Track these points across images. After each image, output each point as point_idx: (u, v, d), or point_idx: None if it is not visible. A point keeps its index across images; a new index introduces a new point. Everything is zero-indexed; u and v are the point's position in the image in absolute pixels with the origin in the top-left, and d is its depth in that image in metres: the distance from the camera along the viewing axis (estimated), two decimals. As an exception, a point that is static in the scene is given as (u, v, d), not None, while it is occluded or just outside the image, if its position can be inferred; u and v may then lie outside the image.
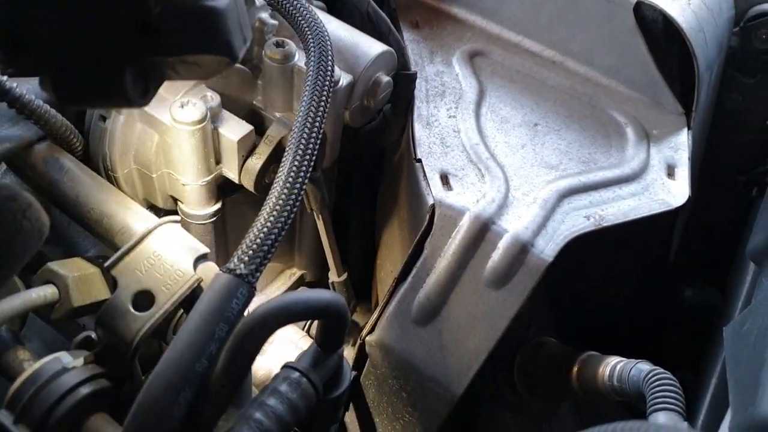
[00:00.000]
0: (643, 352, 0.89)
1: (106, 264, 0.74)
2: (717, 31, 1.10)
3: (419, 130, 0.97)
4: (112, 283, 0.74)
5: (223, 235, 0.99)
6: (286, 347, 1.00)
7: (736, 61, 1.29)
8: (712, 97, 1.20)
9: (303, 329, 1.09)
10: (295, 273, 1.17)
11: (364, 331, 0.93)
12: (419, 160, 0.93)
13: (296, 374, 0.71)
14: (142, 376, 0.75)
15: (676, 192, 0.96)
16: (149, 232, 0.75)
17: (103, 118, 0.87)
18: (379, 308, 0.92)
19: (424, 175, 0.92)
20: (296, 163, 0.75)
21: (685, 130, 1.05)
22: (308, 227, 1.08)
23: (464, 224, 0.87)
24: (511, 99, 1.05)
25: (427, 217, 0.89)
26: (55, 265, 0.75)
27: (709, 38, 1.06)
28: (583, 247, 0.88)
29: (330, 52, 0.82)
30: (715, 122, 1.30)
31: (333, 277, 1.10)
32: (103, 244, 0.84)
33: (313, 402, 0.72)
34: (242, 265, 0.67)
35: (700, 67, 1.02)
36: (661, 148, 1.02)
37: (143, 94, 0.49)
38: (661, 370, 0.80)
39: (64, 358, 0.71)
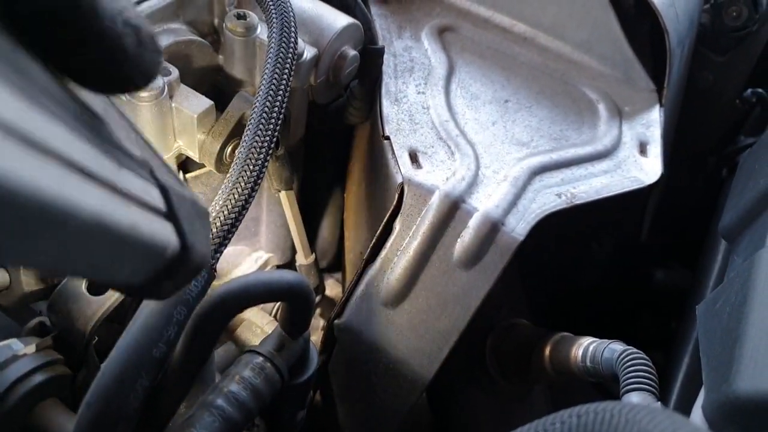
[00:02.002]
0: (614, 333, 0.88)
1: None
2: (688, 6, 1.09)
3: (387, 106, 0.94)
4: (65, 267, 0.71)
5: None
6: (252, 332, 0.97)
7: (707, 38, 1.28)
8: (684, 73, 1.19)
9: (270, 314, 1.06)
10: (261, 256, 1.14)
11: (333, 314, 0.91)
12: (387, 138, 0.90)
13: (260, 359, 0.69)
14: (99, 363, 0.72)
15: (648, 169, 0.95)
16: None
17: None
18: (347, 290, 0.90)
19: (393, 152, 0.89)
20: (257, 139, 0.72)
21: (657, 107, 1.04)
22: (274, 208, 1.05)
23: (434, 203, 0.84)
24: (481, 75, 1.02)
25: (396, 195, 0.86)
26: (3, 248, 0.71)
27: (681, 13, 1.04)
28: (555, 226, 0.86)
29: (293, 24, 0.78)
30: (686, 101, 1.29)
31: (300, 259, 1.07)
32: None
33: (278, 388, 0.70)
34: (201, 246, 0.64)
35: (672, 42, 1.00)
36: (633, 125, 1.01)
37: None
38: (635, 350, 0.78)
39: (15, 345, 0.68)
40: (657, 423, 0.45)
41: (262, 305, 1.03)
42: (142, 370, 0.60)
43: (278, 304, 1.02)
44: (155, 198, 0.34)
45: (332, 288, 1.26)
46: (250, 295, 0.63)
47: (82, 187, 0.26)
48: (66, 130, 0.26)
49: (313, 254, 1.07)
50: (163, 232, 0.34)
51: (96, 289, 0.69)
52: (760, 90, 1.39)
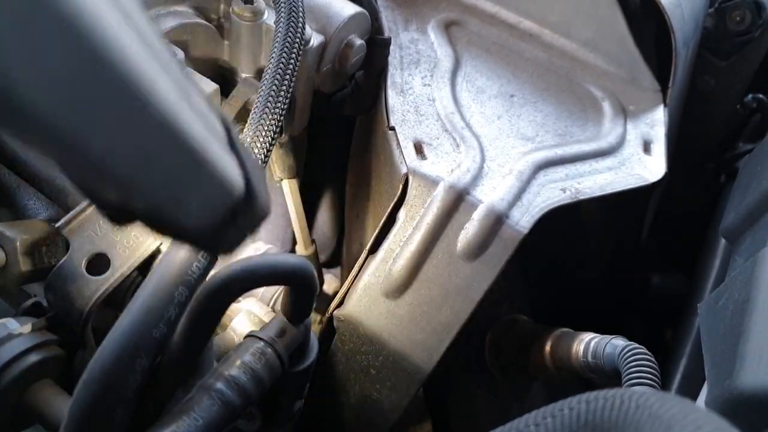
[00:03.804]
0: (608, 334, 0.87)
1: (58, 224, 0.69)
2: (694, 8, 1.09)
3: (393, 97, 0.93)
4: (65, 246, 0.69)
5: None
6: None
7: (710, 42, 1.28)
8: (688, 76, 1.19)
9: (269, 305, 1.05)
10: (260, 247, 1.13)
11: (333, 305, 0.90)
12: (393, 128, 0.90)
13: (261, 344, 0.68)
14: (96, 346, 0.70)
15: (652, 167, 0.94)
16: (105, 191, 0.70)
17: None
18: (348, 281, 0.89)
19: (398, 143, 0.88)
20: (262, 125, 0.71)
21: (662, 106, 1.04)
22: (274, 198, 1.04)
23: (438, 194, 0.84)
24: (487, 69, 1.02)
25: (401, 186, 0.85)
26: (1, 227, 0.70)
27: (687, 14, 1.04)
28: (557, 223, 0.86)
29: (301, 10, 0.78)
30: (687, 105, 1.29)
31: (300, 250, 1.06)
32: (57, 206, 0.79)
33: (278, 374, 0.69)
34: (204, 227, 0.63)
35: (678, 42, 1.00)
36: (637, 124, 1.01)
37: None
38: (637, 345, 0.78)
39: (10, 324, 0.67)
40: (668, 408, 0.44)
41: (260, 297, 1.02)
42: (142, 350, 0.59)
43: (277, 294, 1.02)
44: (218, 128, 0.33)
45: (330, 283, 1.25)
46: (253, 276, 0.62)
47: (162, 77, 0.25)
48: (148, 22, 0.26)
49: (314, 245, 1.06)
50: (229, 167, 0.33)
51: (95, 269, 0.68)
52: (761, 96, 1.40)
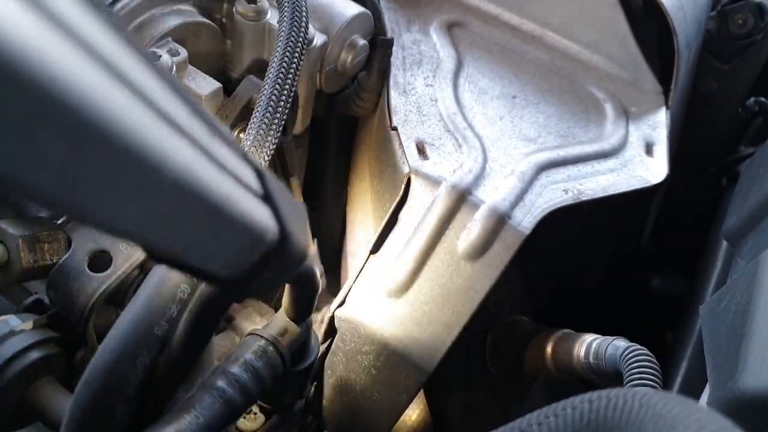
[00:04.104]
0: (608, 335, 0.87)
1: (60, 221, 0.69)
2: (696, 10, 1.09)
3: (395, 97, 0.93)
4: (67, 243, 0.69)
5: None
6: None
7: (712, 45, 1.28)
8: (690, 78, 1.19)
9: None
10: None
11: (334, 305, 0.90)
12: (395, 128, 0.90)
13: (262, 342, 0.68)
14: (97, 343, 0.70)
15: (654, 169, 0.94)
16: (107, 189, 0.70)
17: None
18: (350, 281, 0.89)
19: (400, 143, 0.88)
20: (265, 122, 0.71)
21: (663, 109, 1.04)
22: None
23: (440, 194, 0.84)
24: (489, 71, 1.02)
25: (403, 186, 0.85)
26: (4, 224, 0.70)
27: (689, 16, 1.04)
28: (559, 224, 0.86)
29: (304, 9, 0.78)
30: (688, 108, 1.29)
31: (301, 250, 1.06)
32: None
33: (279, 373, 0.69)
34: (207, 224, 0.63)
35: (680, 44, 1.00)
36: (639, 126, 1.01)
37: None
38: (639, 346, 0.78)
39: (12, 320, 0.67)
40: (671, 407, 0.44)
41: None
42: (143, 347, 0.59)
43: (278, 293, 1.01)
44: (250, 178, 0.32)
45: (329, 285, 1.25)
46: (256, 274, 0.62)
47: (173, 141, 0.25)
48: (161, 84, 0.25)
49: (315, 244, 1.06)
50: (260, 214, 0.33)
51: (97, 266, 0.68)
52: (763, 99, 1.40)
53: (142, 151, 0.23)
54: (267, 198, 0.34)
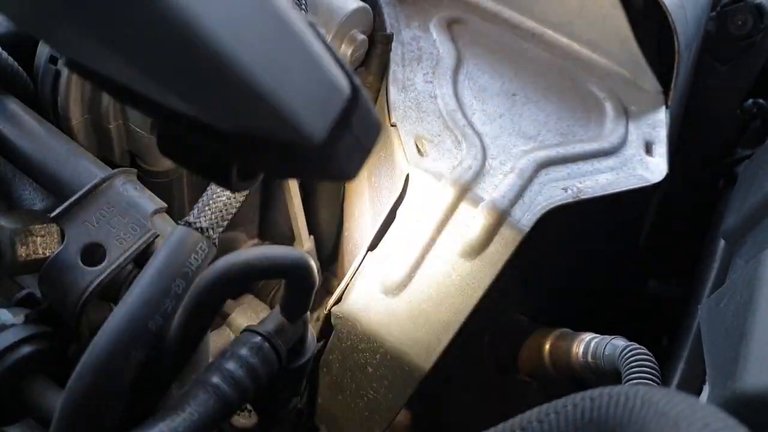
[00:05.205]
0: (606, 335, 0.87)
1: (53, 214, 0.68)
2: (696, 10, 1.09)
3: (394, 93, 0.93)
4: (60, 236, 0.68)
5: (182, 197, 0.93)
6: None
7: (711, 46, 1.28)
8: (689, 78, 1.19)
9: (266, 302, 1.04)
10: (258, 244, 1.12)
11: (331, 302, 0.89)
12: (394, 125, 0.89)
13: (258, 338, 0.67)
14: (90, 338, 0.69)
15: (654, 168, 0.94)
16: (102, 181, 0.69)
17: (55, 60, 0.80)
18: (347, 278, 0.88)
19: (399, 139, 0.88)
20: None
21: (663, 108, 1.03)
22: (273, 192, 1.03)
23: (439, 191, 0.83)
24: (489, 68, 1.02)
25: (401, 183, 0.85)
26: (-4, 217, 0.69)
27: (690, 16, 1.04)
28: (557, 223, 0.86)
29: (304, 3, 0.77)
30: (687, 109, 1.29)
31: (298, 245, 1.05)
32: (52, 197, 0.78)
33: (274, 369, 0.68)
34: (202, 218, 0.62)
35: (680, 44, 1.00)
36: (639, 125, 1.00)
37: (245, 180, 0.43)
38: (637, 345, 0.77)
39: (3, 315, 0.65)
40: (674, 405, 0.43)
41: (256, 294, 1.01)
42: (137, 342, 0.58)
43: (274, 290, 1.01)
44: (322, 45, 0.36)
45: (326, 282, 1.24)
46: (252, 270, 0.61)
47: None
48: None
49: (312, 242, 1.06)
50: (336, 70, 0.36)
51: (90, 260, 0.67)
52: (761, 101, 1.39)
53: None
54: (337, 61, 0.37)
